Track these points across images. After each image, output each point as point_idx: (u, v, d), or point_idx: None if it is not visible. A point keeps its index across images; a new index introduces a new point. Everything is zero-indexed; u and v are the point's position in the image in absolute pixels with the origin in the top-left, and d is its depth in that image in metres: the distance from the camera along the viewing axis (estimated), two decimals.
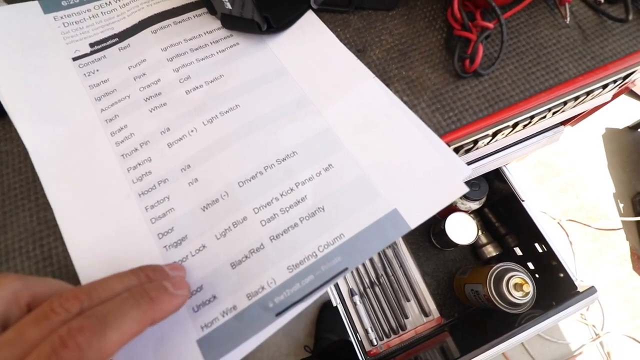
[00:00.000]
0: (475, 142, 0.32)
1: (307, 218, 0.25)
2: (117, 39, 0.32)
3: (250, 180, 0.26)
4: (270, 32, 0.31)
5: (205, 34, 0.33)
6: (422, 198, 0.25)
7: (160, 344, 0.21)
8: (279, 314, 0.22)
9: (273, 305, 0.22)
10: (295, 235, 0.24)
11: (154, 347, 0.21)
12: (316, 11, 0.34)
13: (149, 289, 0.18)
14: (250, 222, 0.25)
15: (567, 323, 1.05)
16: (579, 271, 1.13)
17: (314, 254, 0.24)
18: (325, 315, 1.02)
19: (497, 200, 0.84)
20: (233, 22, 0.31)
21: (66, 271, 0.25)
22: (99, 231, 0.25)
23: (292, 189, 0.26)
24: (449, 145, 0.30)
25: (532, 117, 0.32)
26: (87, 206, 0.26)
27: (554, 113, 0.34)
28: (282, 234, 0.24)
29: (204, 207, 0.25)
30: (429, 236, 0.89)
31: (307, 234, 0.24)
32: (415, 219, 0.25)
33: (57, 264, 0.26)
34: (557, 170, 1.24)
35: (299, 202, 0.25)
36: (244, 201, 0.25)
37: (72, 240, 0.25)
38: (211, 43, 0.32)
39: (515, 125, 0.32)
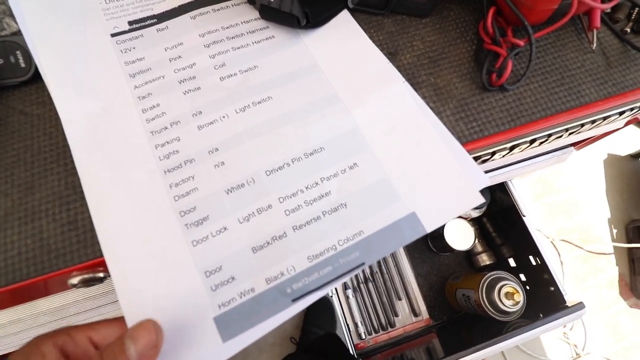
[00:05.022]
0: (493, 153, 0.33)
1: (329, 212, 0.26)
2: (155, 20, 0.33)
3: (277, 170, 0.27)
4: (306, 28, 0.32)
5: (242, 23, 0.33)
6: (439, 204, 0.26)
7: (177, 320, 0.22)
8: (295, 300, 0.23)
9: (291, 291, 0.23)
10: (318, 227, 0.25)
11: (170, 323, 0.22)
12: (351, 11, 0.34)
13: None
14: (274, 211, 0.26)
15: (549, 340, 1.07)
16: (567, 291, 1.14)
17: (334, 247, 0.25)
18: (314, 309, 1.03)
19: (496, 211, 0.85)
20: (271, 14, 0.32)
21: (91, 236, 0.26)
22: (121, 203, 0.26)
23: (317, 183, 0.27)
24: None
25: (549, 135, 0.33)
26: (112, 177, 0.26)
27: (570, 133, 0.35)
28: (305, 225, 0.25)
29: (228, 190, 0.26)
30: (426, 239, 0.91)
31: (328, 227, 0.25)
32: (431, 223, 0.26)
33: (82, 229, 0.27)
34: (556, 188, 1.25)
35: (322, 196, 0.26)
36: (270, 189, 0.26)
37: (96, 209, 0.25)
38: (247, 33, 0.33)
39: (532, 142, 0.33)
